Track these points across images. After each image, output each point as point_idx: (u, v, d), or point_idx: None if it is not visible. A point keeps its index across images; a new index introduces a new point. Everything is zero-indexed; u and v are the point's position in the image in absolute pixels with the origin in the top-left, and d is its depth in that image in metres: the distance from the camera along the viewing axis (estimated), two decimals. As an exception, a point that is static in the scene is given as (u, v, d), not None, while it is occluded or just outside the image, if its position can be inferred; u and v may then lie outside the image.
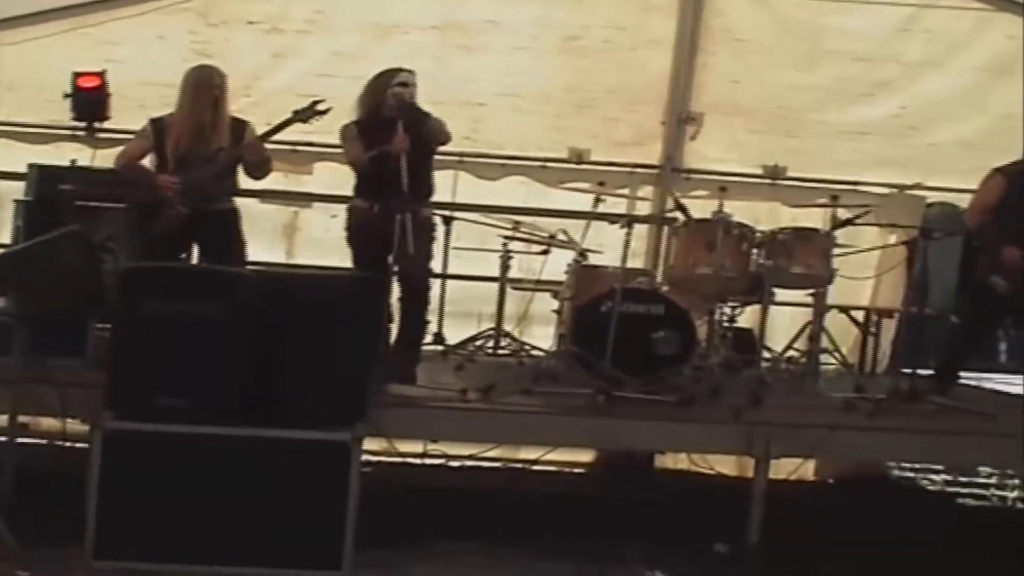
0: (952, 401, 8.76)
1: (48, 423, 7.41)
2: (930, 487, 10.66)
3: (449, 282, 10.00)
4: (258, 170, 8.36)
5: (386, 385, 7.59)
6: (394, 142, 7.90)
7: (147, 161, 8.22)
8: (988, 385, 10.53)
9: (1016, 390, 10.36)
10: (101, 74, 9.31)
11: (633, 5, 10.43)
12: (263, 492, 6.64)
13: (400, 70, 8.32)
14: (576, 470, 10.02)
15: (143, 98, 9.37)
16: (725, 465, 9.33)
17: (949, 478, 10.76)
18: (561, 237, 9.62)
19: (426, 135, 8.15)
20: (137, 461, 6.58)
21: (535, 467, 9.43)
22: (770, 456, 7.57)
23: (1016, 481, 10.57)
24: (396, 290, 8.15)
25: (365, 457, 7.51)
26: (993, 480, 10.65)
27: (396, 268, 7.97)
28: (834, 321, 10.25)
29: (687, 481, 9.54)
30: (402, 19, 10.29)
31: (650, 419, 7.74)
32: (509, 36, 10.38)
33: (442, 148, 8.54)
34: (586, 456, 10.03)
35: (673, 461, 9.89)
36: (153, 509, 6.57)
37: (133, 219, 8.25)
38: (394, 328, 8.26)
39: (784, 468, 9.09)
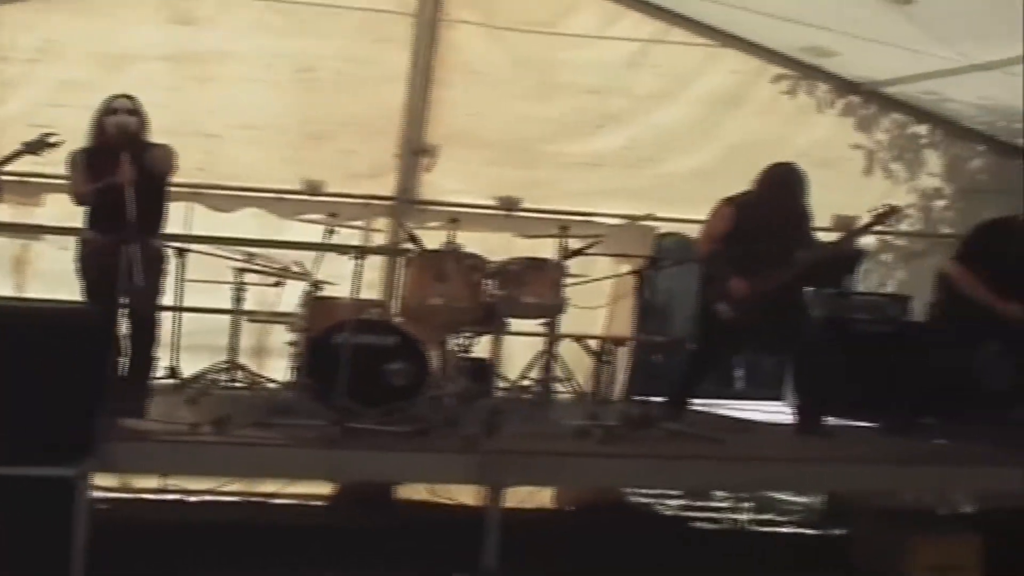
0: (683, 427, 8.97)
1: None
2: (666, 512, 10.87)
3: (184, 315, 9.87)
4: None
5: (116, 420, 7.44)
6: (119, 172, 7.82)
7: None
8: (721, 411, 10.77)
9: (749, 415, 10.67)
10: None
11: (367, 37, 10.43)
12: (-15, 532, 6.45)
13: (115, 97, 8.31)
14: (316, 502, 9.98)
15: None
16: (465, 494, 9.40)
17: (684, 503, 10.99)
18: (295, 269, 9.59)
19: (149, 165, 8.09)
20: None
21: (275, 500, 9.53)
22: (503, 485, 7.64)
23: (748, 504, 10.88)
24: (125, 323, 8.06)
25: (99, 494, 7.48)
26: (726, 504, 10.92)
27: (124, 300, 7.87)
28: (569, 350, 10.41)
29: (427, 511, 9.64)
30: (134, 49, 10.11)
31: (384, 450, 7.74)
32: (243, 67, 10.29)
33: (176, 179, 8.51)
34: (326, 488, 10.00)
35: (414, 491, 9.93)
36: None
37: None
38: (125, 362, 8.16)
39: (527, 496, 9.35)
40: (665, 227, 11.38)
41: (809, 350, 9.42)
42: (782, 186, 9.33)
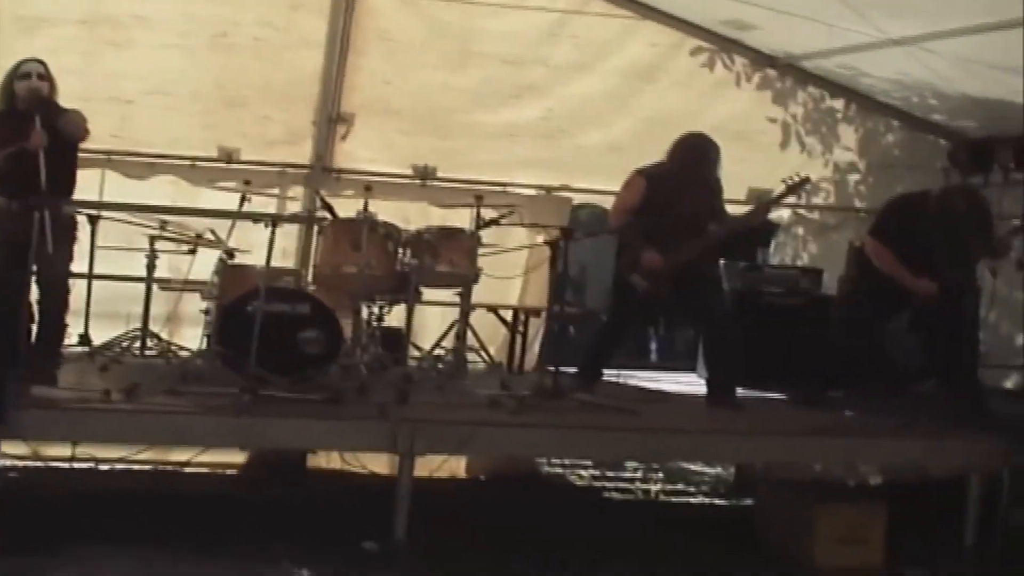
0: (595, 397, 9.09)
1: None
2: (578, 482, 11.01)
3: (96, 282, 9.83)
4: None
5: (26, 387, 7.44)
6: (31, 138, 7.80)
7: None
8: (634, 382, 10.83)
9: (662, 387, 10.80)
10: None
11: (284, 3, 10.44)
12: None
13: (25, 61, 8.28)
14: (229, 471, 10.03)
15: None
16: (377, 463, 9.47)
17: (597, 473, 11.15)
18: (209, 236, 9.64)
19: (62, 130, 8.05)
20: None
21: (187, 469, 9.57)
22: (415, 453, 7.73)
23: (660, 475, 11.03)
24: (36, 290, 8.07)
25: (9, 462, 7.49)
26: (638, 475, 11.06)
27: (35, 267, 7.84)
28: (484, 320, 10.58)
29: (339, 480, 9.72)
30: (49, 12, 10.02)
31: (296, 417, 7.79)
32: (158, 32, 10.23)
33: (89, 146, 8.53)
34: (239, 457, 10.04)
35: (326, 460, 10.00)
36: None
37: None
38: (35, 329, 8.18)
39: (439, 465, 9.49)
40: (580, 198, 11.46)
41: (720, 323, 9.54)
42: (695, 157, 9.41)
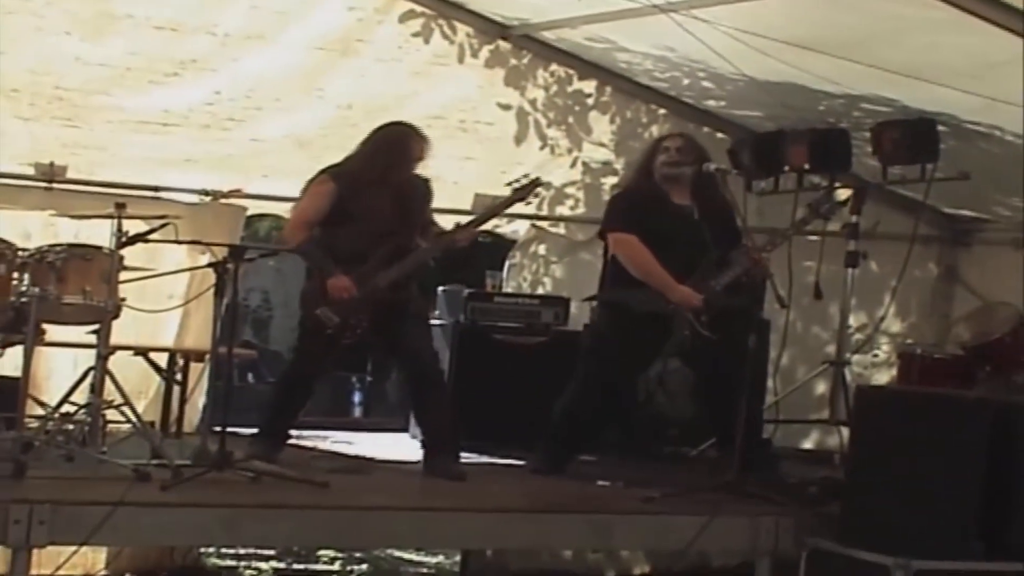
0: (276, 467, 8.97)
1: None
2: (257, 576, 10.75)
3: None
4: None
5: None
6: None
7: None
8: (330, 446, 10.81)
9: (367, 451, 10.68)
10: None
11: None
12: None
13: None
14: None
15: None
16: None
17: (281, 565, 11.09)
18: None
19: None
20: None
21: None
22: (32, 544, 7.46)
23: (364, 566, 10.90)
24: None
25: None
26: (335, 566, 10.95)
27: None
28: (129, 366, 10.36)
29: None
30: None
31: None
32: None
33: None
34: None
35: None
36: None
37: None
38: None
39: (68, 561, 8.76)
40: (257, 207, 11.35)
41: (429, 368, 9.55)
42: (395, 153, 9.42)
